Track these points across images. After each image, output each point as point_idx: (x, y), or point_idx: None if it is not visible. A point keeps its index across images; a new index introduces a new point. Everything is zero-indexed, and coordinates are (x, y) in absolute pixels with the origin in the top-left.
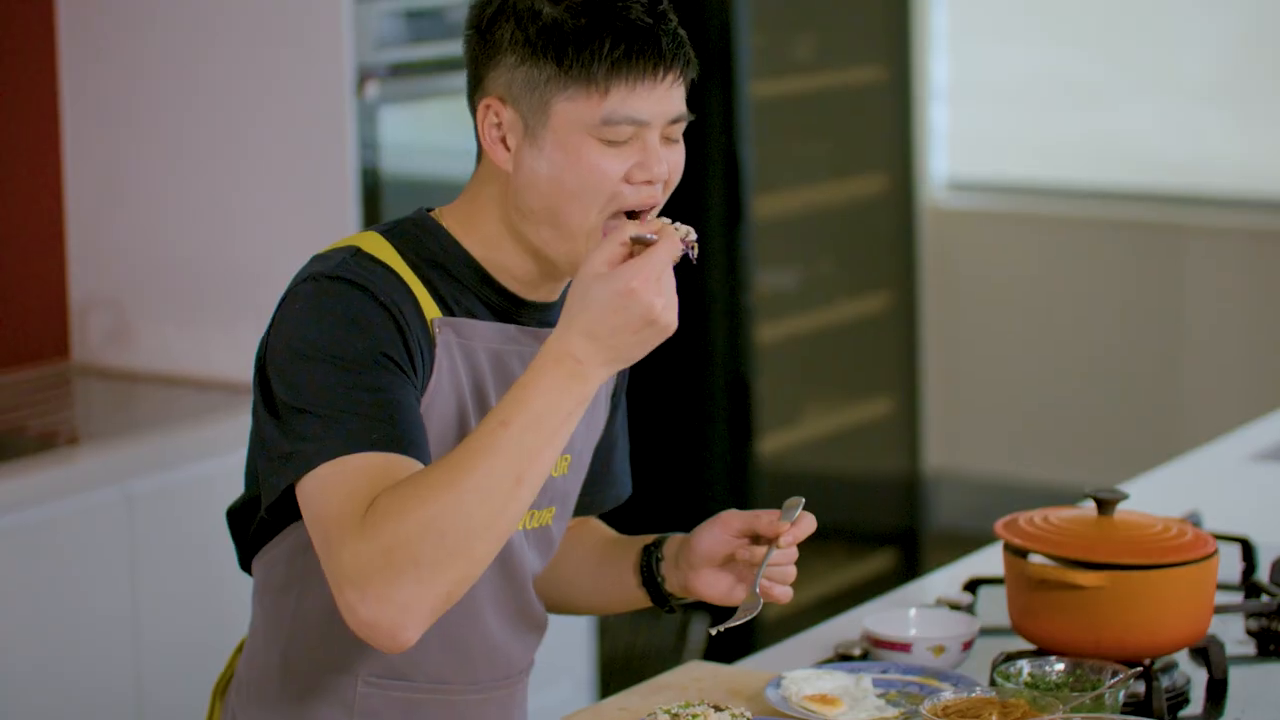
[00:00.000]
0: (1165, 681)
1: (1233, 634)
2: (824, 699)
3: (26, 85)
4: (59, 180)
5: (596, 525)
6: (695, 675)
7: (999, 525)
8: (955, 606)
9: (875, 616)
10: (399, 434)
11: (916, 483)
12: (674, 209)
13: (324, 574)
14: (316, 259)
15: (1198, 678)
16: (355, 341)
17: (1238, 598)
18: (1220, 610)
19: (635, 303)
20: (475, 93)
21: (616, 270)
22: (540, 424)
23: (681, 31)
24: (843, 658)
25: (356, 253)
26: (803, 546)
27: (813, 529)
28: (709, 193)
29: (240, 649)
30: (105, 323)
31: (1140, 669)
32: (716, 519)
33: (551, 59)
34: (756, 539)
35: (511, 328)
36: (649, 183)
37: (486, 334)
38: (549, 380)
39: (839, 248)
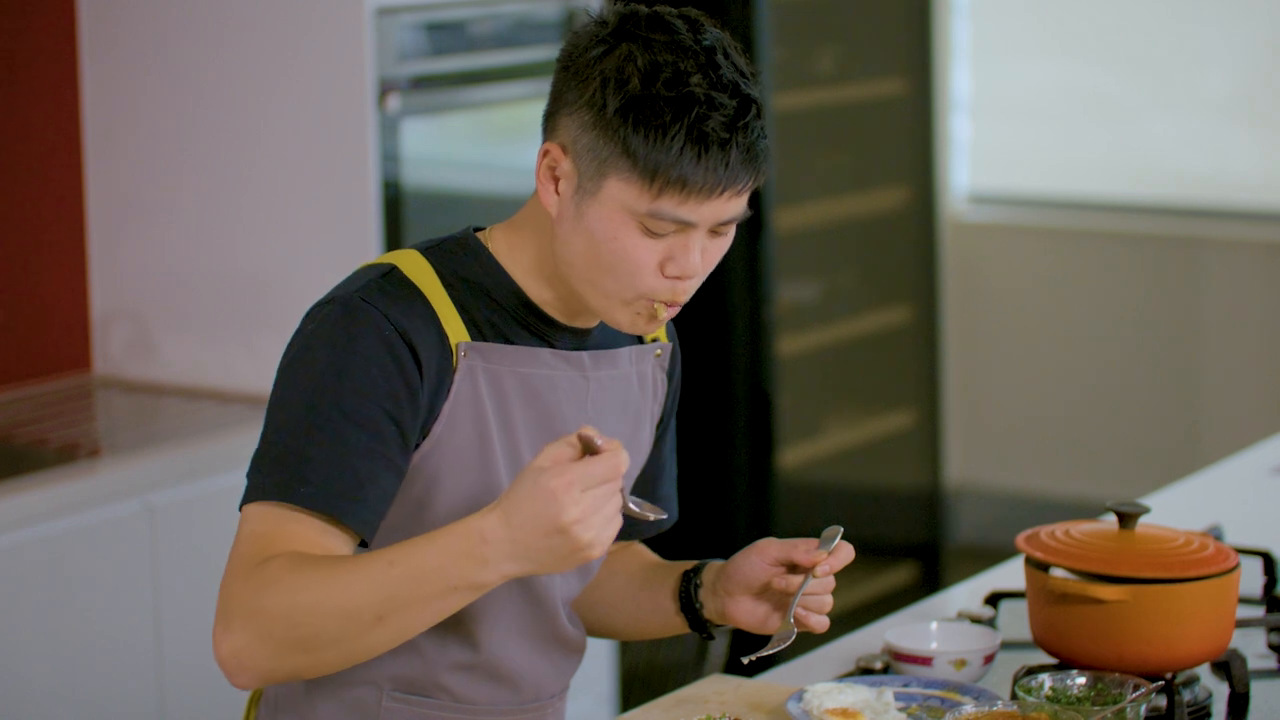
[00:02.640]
0: (1187, 695)
1: (1254, 648)
2: (845, 713)
3: (48, 100)
4: (81, 193)
5: (639, 550)
6: (717, 689)
7: (1020, 539)
8: (977, 620)
9: (897, 630)
10: (338, 495)
11: (938, 496)
12: None
13: None
14: (352, 275)
15: (1219, 692)
16: (345, 384)
17: (1259, 612)
18: (1242, 624)
19: (550, 504)
20: (547, 126)
21: (550, 467)
22: (422, 582)
23: (762, 144)
24: (864, 671)
25: (388, 273)
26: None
27: (850, 559)
28: None
29: None
30: (127, 335)
31: (1162, 683)
32: (754, 547)
33: (620, 138)
34: (794, 568)
35: (544, 351)
36: (679, 278)
37: (515, 357)
38: (452, 548)
39: (860, 260)
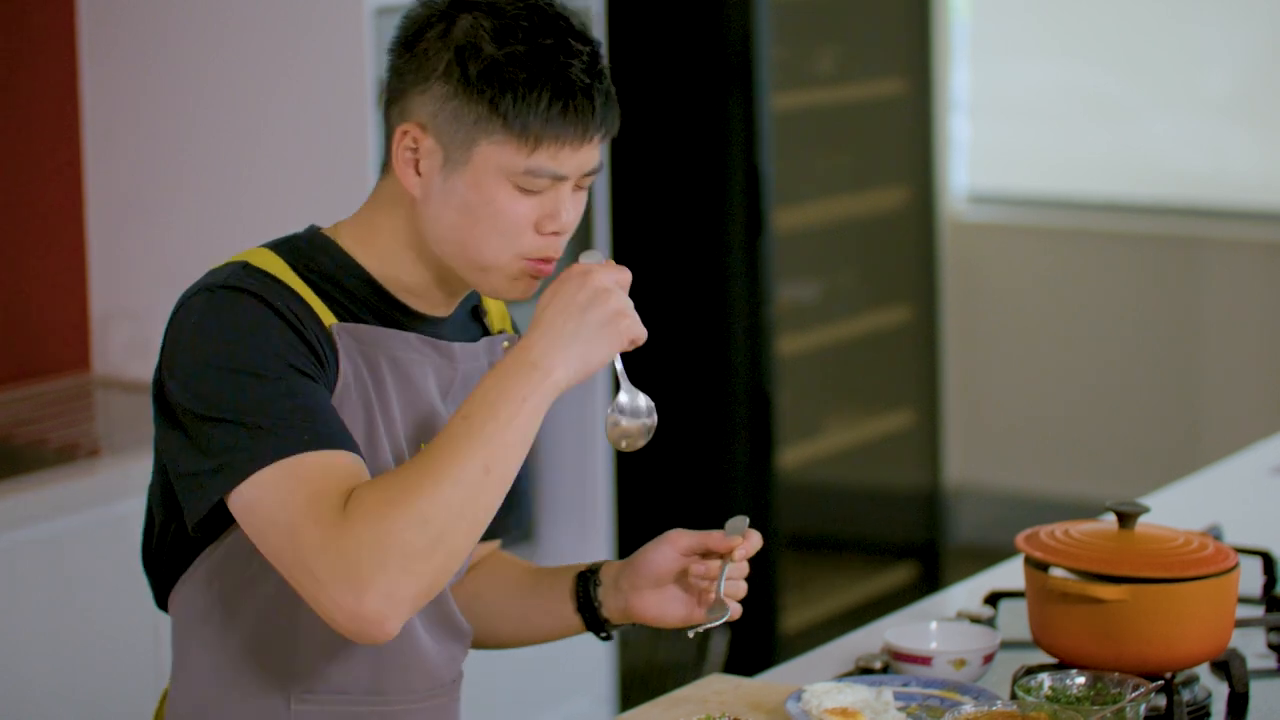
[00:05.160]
0: (1186, 695)
1: (1254, 648)
2: (845, 712)
3: (48, 100)
4: (80, 193)
5: (512, 558)
6: (716, 688)
7: (1020, 538)
8: (976, 620)
9: (896, 630)
10: (330, 433)
11: (937, 496)
12: (695, 221)
13: (252, 597)
14: (207, 274)
15: (1219, 691)
16: (261, 349)
17: (1259, 611)
18: (1241, 624)
19: (579, 280)
20: (394, 111)
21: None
22: (497, 410)
23: (612, 89)
24: (864, 671)
25: (246, 266)
26: (823, 559)
27: (760, 545)
28: (730, 205)
29: (164, 699)
30: (126, 335)
31: (1161, 683)
32: (663, 538)
33: (486, 101)
34: (707, 555)
35: (412, 336)
36: (555, 233)
37: (387, 340)
38: (505, 368)
39: (860, 260)
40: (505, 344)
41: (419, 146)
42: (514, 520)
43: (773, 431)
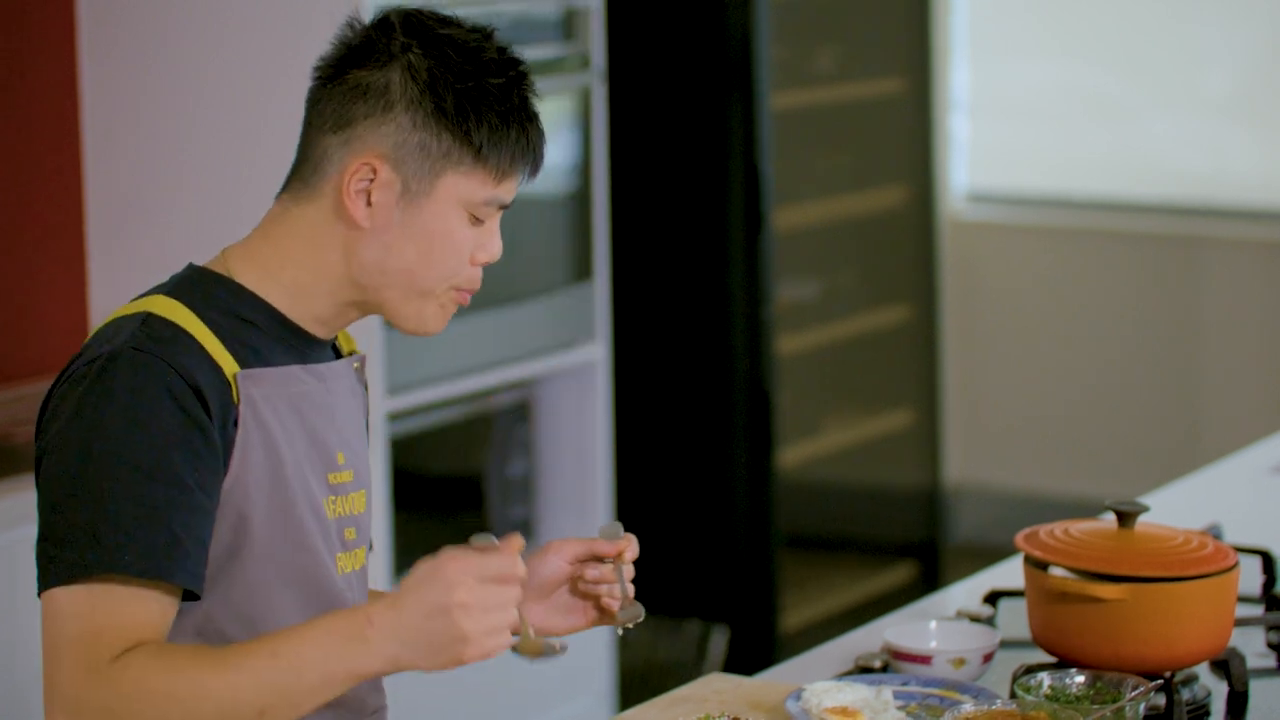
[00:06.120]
0: (1185, 694)
1: (1253, 647)
2: (844, 711)
3: (47, 99)
4: (80, 193)
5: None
6: (715, 687)
7: (1019, 538)
8: (976, 619)
9: (896, 629)
10: (158, 554)
11: (937, 495)
12: (694, 221)
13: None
14: (105, 330)
15: (1218, 690)
16: (138, 440)
17: (1258, 610)
18: (1241, 623)
19: (439, 583)
20: (342, 140)
21: (448, 554)
22: (306, 670)
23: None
24: (863, 670)
25: (147, 319)
26: (822, 558)
27: (637, 549)
28: (729, 204)
29: None
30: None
31: (1160, 681)
32: (546, 548)
33: (461, 134)
34: (596, 560)
35: (296, 369)
36: (486, 263)
37: (279, 379)
38: (338, 630)
39: (859, 259)
40: (356, 365)
41: (376, 178)
42: None
43: (772, 431)
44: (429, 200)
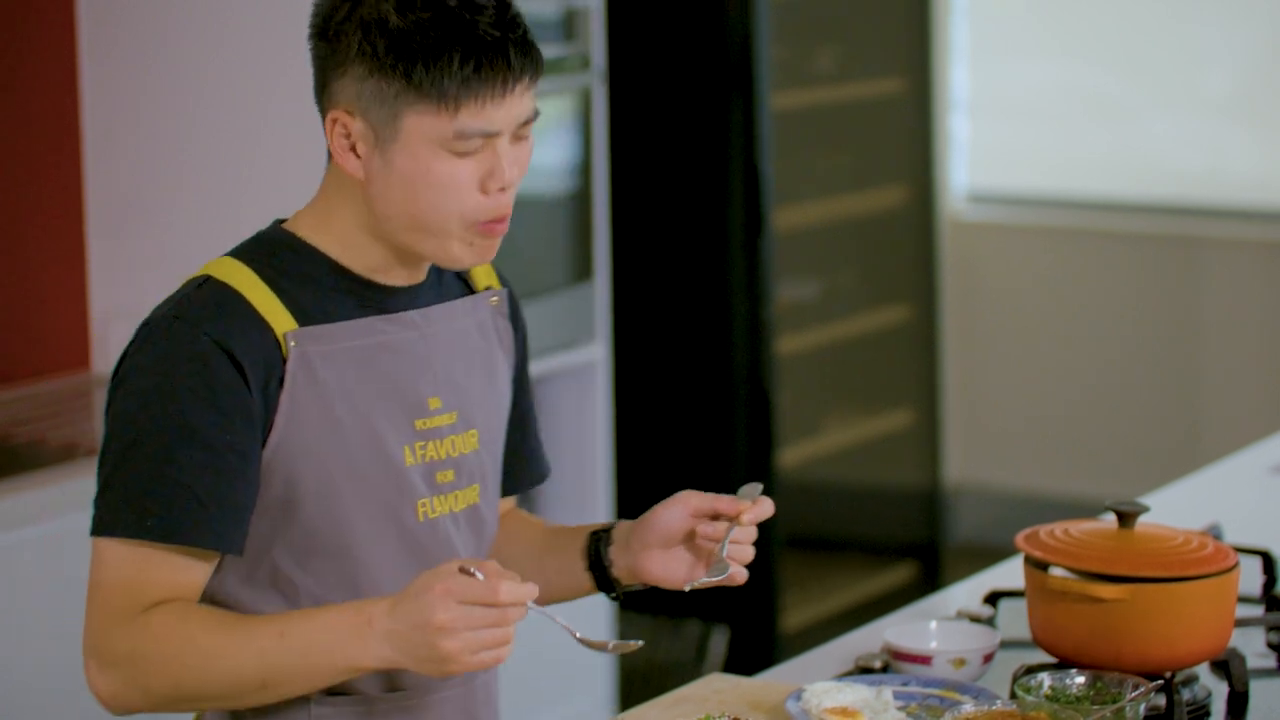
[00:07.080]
0: (1186, 695)
1: (1254, 647)
2: (845, 712)
3: (48, 98)
4: (80, 193)
5: (530, 517)
6: (716, 688)
7: (1019, 538)
8: (976, 619)
9: (896, 629)
10: (180, 521)
11: (937, 495)
12: (695, 221)
13: (274, 604)
14: (174, 293)
15: (1218, 691)
16: (169, 406)
17: (1259, 611)
18: (1241, 623)
19: (425, 602)
20: (323, 100)
21: (443, 571)
22: (308, 654)
23: (531, 36)
24: (863, 670)
25: (203, 283)
26: (823, 558)
27: (771, 512)
28: (729, 204)
29: None
30: (126, 334)
31: (1161, 682)
32: (675, 498)
33: (400, 74)
34: (716, 518)
35: (375, 319)
36: (502, 190)
37: (345, 333)
38: (342, 624)
39: (859, 259)
40: (493, 299)
41: (350, 131)
42: (530, 477)
43: (772, 431)
44: (397, 144)
